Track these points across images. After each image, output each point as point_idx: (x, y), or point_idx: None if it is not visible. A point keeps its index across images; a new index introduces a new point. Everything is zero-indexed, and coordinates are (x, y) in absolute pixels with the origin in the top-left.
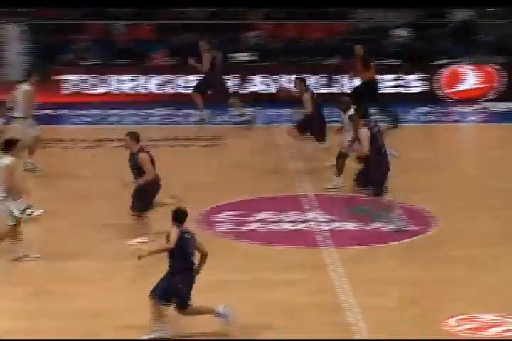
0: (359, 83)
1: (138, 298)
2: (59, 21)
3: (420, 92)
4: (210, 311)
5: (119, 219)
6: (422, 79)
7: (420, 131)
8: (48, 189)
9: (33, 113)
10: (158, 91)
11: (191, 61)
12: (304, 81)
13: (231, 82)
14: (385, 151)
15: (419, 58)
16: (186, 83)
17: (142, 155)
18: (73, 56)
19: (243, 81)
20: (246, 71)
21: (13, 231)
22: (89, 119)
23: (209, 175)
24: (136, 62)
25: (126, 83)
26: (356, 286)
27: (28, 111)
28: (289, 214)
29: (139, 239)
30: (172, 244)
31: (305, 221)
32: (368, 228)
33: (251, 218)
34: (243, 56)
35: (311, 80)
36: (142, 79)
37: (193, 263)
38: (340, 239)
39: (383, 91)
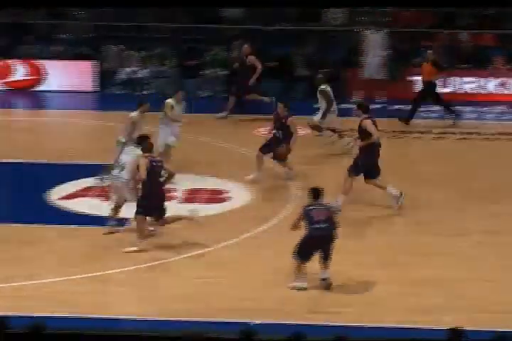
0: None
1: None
2: (413, 29)
3: None
4: (301, 272)
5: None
6: None
7: None
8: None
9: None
10: (495, 92)
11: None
12: (288, 105)
13: None
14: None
15: None
16: None
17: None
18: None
19: None
20: None
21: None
22: (435, 115)
23: None
24: (478, 66)
25: (467, 84)
26: None
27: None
28: None
29: (134, 248)
30: (297, 218)
31: None
32: None
33: None
34: None
35: None
36: (483, 81)
37: (318, 228)
38: None
39: None
